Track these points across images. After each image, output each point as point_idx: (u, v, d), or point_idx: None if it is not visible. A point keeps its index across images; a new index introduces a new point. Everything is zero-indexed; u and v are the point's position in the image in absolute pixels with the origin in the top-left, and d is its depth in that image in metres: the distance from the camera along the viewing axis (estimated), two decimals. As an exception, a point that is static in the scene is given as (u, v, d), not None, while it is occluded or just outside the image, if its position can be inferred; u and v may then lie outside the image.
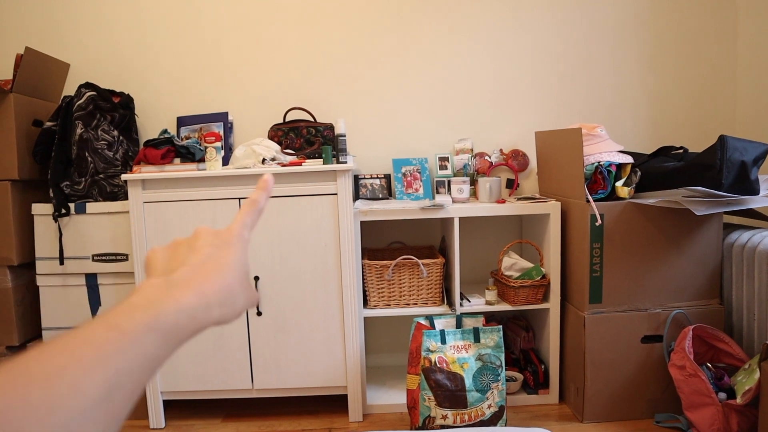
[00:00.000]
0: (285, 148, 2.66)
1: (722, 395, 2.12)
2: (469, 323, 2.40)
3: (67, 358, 0.36)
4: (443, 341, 2.27)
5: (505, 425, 2.24)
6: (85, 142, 2.49)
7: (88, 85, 2.57)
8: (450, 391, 2.19)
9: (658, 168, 2.42)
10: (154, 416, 2.47)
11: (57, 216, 2.44)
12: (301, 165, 2.40)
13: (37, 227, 2.50)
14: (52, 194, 2.47)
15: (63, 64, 2.82)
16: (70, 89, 2.77)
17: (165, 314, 0.42)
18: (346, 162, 2.37)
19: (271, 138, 2.71)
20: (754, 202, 2.19)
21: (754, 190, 2.20)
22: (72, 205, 2.47)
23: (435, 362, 2.22)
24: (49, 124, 2.54)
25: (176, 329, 0.43)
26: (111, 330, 0.39)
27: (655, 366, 2.37)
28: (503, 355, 2.27)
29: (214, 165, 2.37)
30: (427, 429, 2.22)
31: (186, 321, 0.44)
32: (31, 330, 2.58)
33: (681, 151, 2.51)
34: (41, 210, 2.49)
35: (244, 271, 0.51)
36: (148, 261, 0.52)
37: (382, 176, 2.80)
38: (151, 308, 0.42)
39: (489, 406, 2.22)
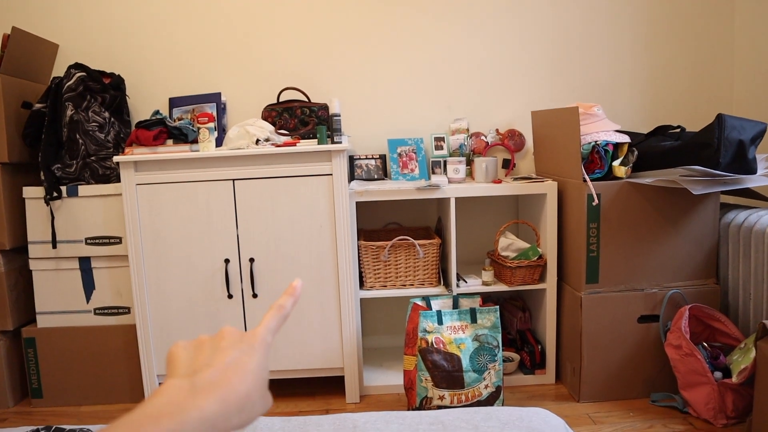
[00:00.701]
0: (279, 129, 2.63)
1: (718, 374, 2.13)
2: (465, 304, 2.40)
3: None
4: (440, 322, 2.26)
5: (502, 405, 2.24)
6: (75, 124, 2.45)
7: (78, 66, 2.52)
8: (447, 372, 2.19)
9: (655, 147, 2.40)
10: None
11: (49, 199, 2.42)
12: (295, 145, 2.37)
13: (28, 211, 2.47)
14: (43, 177, 2.44)
15: (52, 45, 2.77)
16: (59, 70, 2.73)
17: (190, 423, 0.42)
18: (341, 142, 2.35)
19: (264, 118, 2.68)
20: (752, 182, 2.18)
21: (751, 169, 2.19)
22: (64, 188, 2.44)
23: (432, 343, 2.22)
24: (38, 105, 2.50)
25: None
26: None
27: (652, 346, 2.37)
28: (500, 335, 2.27)
29: (207, 146, 2.34)
30: (424, 409, 2.22)
31: (207, 430, 0.43)
32: (25, 315, 2.57)
33: (678, 130, 2.50)
34: (32, 193, 2.46)
35: (263, 377, 0.51)
36: (170, 357, 0.51)
37: (378, 157, 2.78)
38: (176, 416, 0.41)
39: (486, 387, 2.22)
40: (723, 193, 2.39)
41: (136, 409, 0.42)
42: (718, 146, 2.13)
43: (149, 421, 0.40)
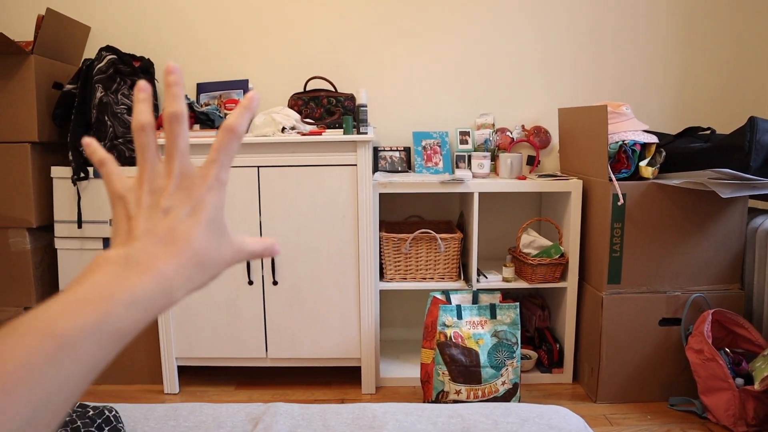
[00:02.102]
0: (305, 118, 2.63)
1: (739, 381, 2.10)
2: (485, 299, 2.39)
3: None
4: (459, 316, 2.26)
5: (519, 402, 2.24)
6: (104, 106, 2.48)
7: (109, 49, 2.55)
8: (464, 367, 2.19)
9: (684, 149, 2.37)
10: (168, 381, 2.49)
11: (76, 179, 2.45)
12: (320, 135, 2.37)
13: (56, 190, 2.50)
14: (71, 157, 2.47)
15: (84, 27, 2.80)
16: (90, 53, 2.75)
17: (116, 309, 0.37)
18: (366, 133, 2.35)
19: (291, 107, 2.69)
20: (782, 187, 2.14)
21: (782, 174, 2.15)
22: (91, 169, 2.47)
23: (450, 337, 2.22)
24: (69, 86, 2.53)
25: (126, 325, 0.38)
26: (47, 338, 0.34)
27: (672, 349, 2.35)
28: (519, 332, 2.26)
29: (233, 132, 2.34)
30: (440, 403, 2.22)
31: (140, 314, 0.39)
32: (48, 292, 2.61)
33: (708, 132, 2.46)
34: (60, 173, 2.49)
35: (218, 228, 0.45)
36: (113, 208, 0.46)
37: (402, 149, 2.78)
38: (100, 302, 0.37)
39: (503, 383, 2.21)
40: (751, 197, 2.36)
41: (61, 293, 0.38)
42: (749, 149, 2.10)
43: (68, 311, 0.36)
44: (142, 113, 0.46)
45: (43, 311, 0.36)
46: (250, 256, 0.48)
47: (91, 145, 0.49)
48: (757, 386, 2.04)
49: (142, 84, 0.47)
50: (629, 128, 2.35)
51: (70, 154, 2.47)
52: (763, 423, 2.09)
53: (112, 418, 1.13)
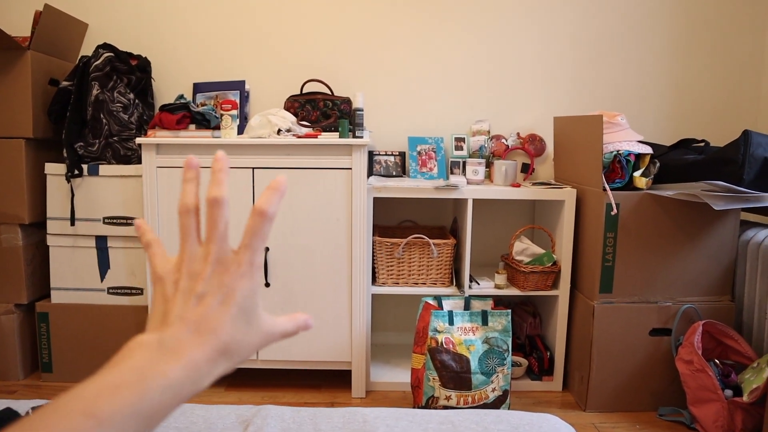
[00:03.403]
0: (301, 120, 2.64)
1: (728, 392, 2.11)
2: (477, 306, 2.39)
3: None
4: (451, 322, 2.26)
5: (509, 410, 2.24)
6: (100, 104, 2.47)
7: (106, 47, 2.54)
8: (455, 373, 2.19)
9: (678, 160, 2.38)
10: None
11: (70, 176, 2.44)
12: (316, 137, 2.38)
13: (49, 187, 2.49)
14: (65, 154, 2.46)
15: (81, 24, 2.79)
16: (87, 50, 2.75)
17: (151, 394, 0.39)
18: (362, 137, 2.35)
19: (287, 109, 2.69)
20: (774, 200, 2.16)
21: (775, 188, 2.16)
22: (85, 167, 2.46)
23: (441, 343, 2.22)
24: (65, 83, 2.52)
25: (160, 408, 0.40)
26: (88, 418, 0.36)
27: (662, 359, 2.36)
28: (510, 339, 2.26)
29: (229, 133, 2.35)
30: (430, 409, 2.22)
31: (171, 398, 0.41)
32: (39, 289, 2.60)
33: (702, 144, 2.48)
34: (54, 170, 2.48)
35: (246, 317, 0.46)
36: (153, 288, 0.49)
37: (397, 153, 2.78)
38: (137, 385, 0.39)
39: (493, 390, 2.21)
40: (744, 210, 2.37)
41: (99, 374, 0.40)
42: (742, 162, 2.11)
43: (107, 393, 0.38)
44: (188, 195, 0.48)
45: (83, 392, 0.38)
46: (281, 337, 0.50)
47: (141, 227, 0.51)
48: (745, 398, 2.05)
49: (195, 161, 0.49)
50: (624, 138, 2.37)
51: (64, 151, 2.46)
52: (750, 435, 2.10)
53: None
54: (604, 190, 2.28)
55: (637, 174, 2.33)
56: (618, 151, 2.31)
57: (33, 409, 1.14)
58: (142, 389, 0.39)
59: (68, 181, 2.44)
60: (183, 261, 0.48)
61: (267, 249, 2.39)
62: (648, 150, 2.35)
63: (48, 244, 2.52)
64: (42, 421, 0.35)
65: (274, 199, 0.47)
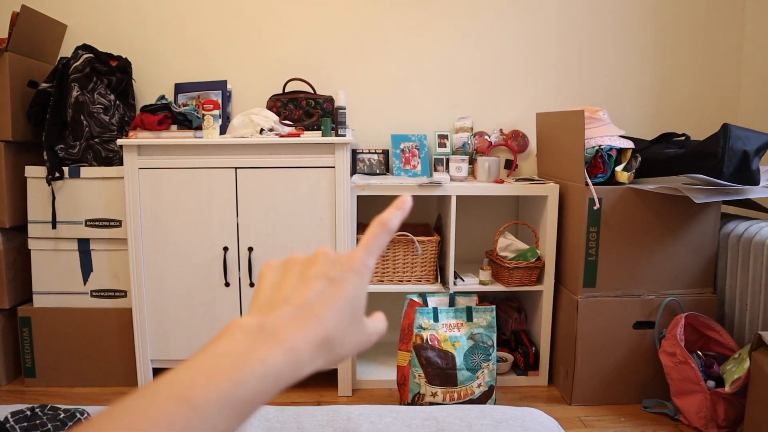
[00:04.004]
0: (283, 119, 2.63)
1: (711, 383, 2.13)
2: (462, 302, 2.40)
3: None
4: (436, 319, 2.26)
5: (494, 405, 2.25)
6: (80, 105, 2.45)
7: (86, 47, 2.52)
8: (440, 369, 2.20)
9: (659, 154, 2.40)
10: (143, 383, 2.46)
11: (50, 179, 2.41)
12: (299, 136, 2.37)
13: (30, 190, 2.47)
14: (46, 157, 2.43)
15: (60, 25, 2.76)
16: (66, 51, 2.72)
17: (246, 380, 0.37)
18: (345, 135, 2.35)
19: (269, 108, 2.68)
20: (754, 193, 2.18)
21: (754, 181, 2.19)
22: (66, 169, 2.44)
23: (427, 339, 2.22)
24: (44, 85, 2.50)
25: (257, 396, 0.38)
26: (182, 404, 0.34)
27: (646, 352, 2.38)
28: (495, 335, 2.27)
29: (211, 133, 2.34)
30: (416, 405, 2.22)
31: (270, 386, 0.39)
32: (21, 294, 2.57)
33: (683, 138, 2.50)
34: (34, 173, 2.46)
35: (352, 312, 0.45)
36: (259, 278, 0.47)
37: (380, 151, 2.78)
38: (232, 372, 0.37)
39: (479, 386, 2.22)
40: (724, 203, 2.40)
41: (193, 358, 0.38)
42: (722, 156, 2.13)
43: (202, 379, 0.36)
44: (393, 218, 0.49)
45: (177, 377, 0.36)
46: (377, 339, 0.49)
47: (406, 204, 0.51)
48: (727, 388, 2.08)
49: (409, 203, 0.50)
50: (606, 133, 2.38)
51: (44, 153, 2.43)
52: (733, 425, 2.13)
53: (83, 421, 1.12)
54: (587, 185, 2.30)
55: (619, 168, 2.35)
56: (600, 146, 2.32)
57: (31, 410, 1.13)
58: (238, 376, 0.37)
59: (49, 183, 2.42)
60: (327, 258, 0.47)
61: (251, 249, 2.38)
62: (629, 144, 2.36)
63: (29, 247, 2.50)
64: (135, 406, 0.34)
65: (396, 215, 0.49)
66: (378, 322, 0.47)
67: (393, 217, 0.49)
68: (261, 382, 0.38)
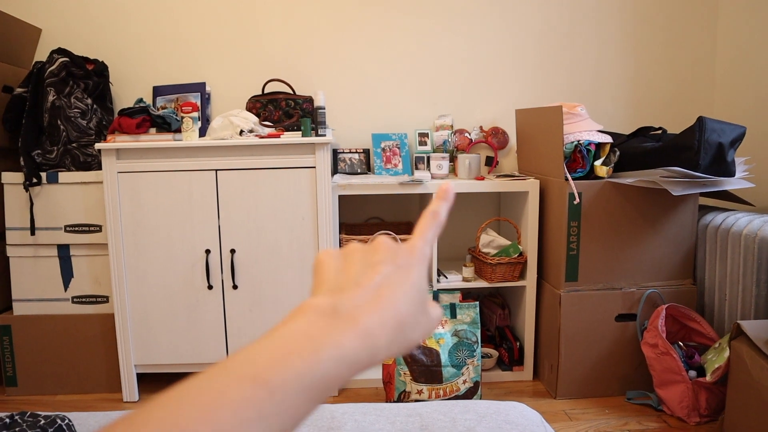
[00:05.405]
0: (263, 120, 2.62)
1: (692, 373, 2.16)
2: (445, 299, 2.41)
3: (200, 425, 0.31)
4: (420, 317, 2.27)
5: (480, 400, 2.26)
6: (57, 110, 2.43)
7: (61, 51, 2.49)
8: (425, 366, 2.20)
9: (637, 148, 2.43)
10: (128, 389, 2.44)
11: (28, 185, 2.39)
12: (279, 137, 2.37)
13: (7, 196, 2.44)
14: (22, 163, 2.40)
15: (34, 29, 2.73)
16: (41, 55, 2.69)
17: (323, 363, 0.36)
18: (324, 135, 2.35)
19: (249, 110, 2.67)
20: (730, 184, 2.22)
21: (730, 172, 2.22)
22: (44, 175, 2.41)
23: (411, 338, 2.22)
24: (19, 90, 2.47)
25: (333, 380, 0.36)
26: (258, 386, 0.33)
27: (629, 344, 2.40)
28: (479, 331, 2.28)
29: (190, 135, 2.32)
30: (401, 403, 2.23)
31: (345, 370, 0.37)
32: (1, 302, 2.54)
33: (660, 131, 2.52)
34: (11, 179, 2.43)
35: (421, 297, 0.44)
36: (318, 264, 0.46)
37: (361, 151, 2.78)
38: (309, 355, 0.36)
39: (464, 382, 2.23)
40: (702, 195, 2.43)
41: (266, 338, 0.37)
42: (698, 148, 2.16)
43: (278, 360, 0.35)
44: (441, 208, 0.50)
45: (253, 357, 0.35)
46: (438, 324, 0.49)
47: (449, 192, 0.52)
48: (708, 378, 2.10)
49: (451, 191, 0.51)
50: (584, 128, 2.40)
51: (21, 159, 2.41)
52: (714, 413, 2.16)
53: (64, 427, 1.11)
54: (567, 180, 2.32)
55: (597, 163, 2.37)
56: (578, 141, 2.34)
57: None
58: (314, 359, 0.35)
59: (26, 189, 2.39)
60: (385, 248, 0.47)
61: (233, 251, 2.37)
62: (608, 139, 2.38)
63: (8, 255, 2.47)
64: (206, 386, 0.33)
65: (443, 206, 0.50)
66: (437, 309, 0.47)
67: (440, 207, 0.50)
68: (337, 366, 0.36)
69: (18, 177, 2.42)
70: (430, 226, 0.48)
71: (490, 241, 2.59)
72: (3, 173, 2.43)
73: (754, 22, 2.71)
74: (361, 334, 0.38)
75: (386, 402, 2.31)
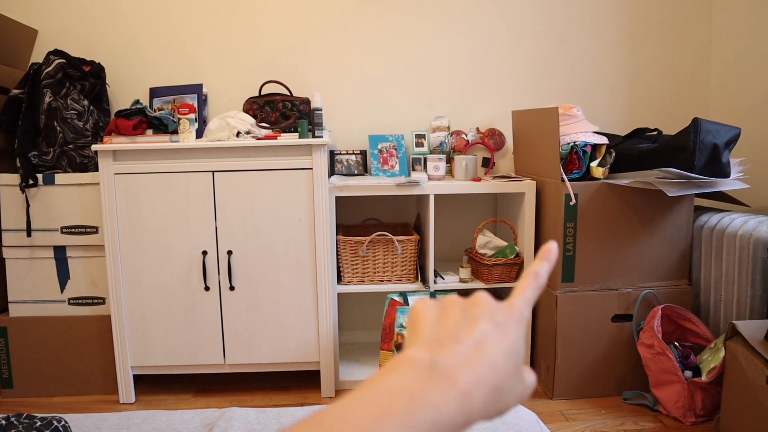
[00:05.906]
0: (260, 122, 2.62)
1: (688, 373, 2.17)
2: (442, 300, 2.41)
3: None
4: (416, 318, 2.27)
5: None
6: (53, 111, 2.43)
7: (58, 53, 2.49)
8: (422, 368, 2.20)
9: (633, 149, 2.43)
10: (124, 391, 2.44)
11: (24, 187, 2.38)
12: (276, 139, 2.37)
13: (3, 198, 2.43)
14: (19, 164, 2.40)
15: (30, 30, 2.73)
16: (38, 57, 2.69)
17: (418, 426, 0.35)
18: (321, 137, 2.35)
19: (246, 111, 2.67)
20: (725, 185, 2.22)
21: (725, 173, 2.23)
22: (40, 176, 2.41)
23: (408, 339, 2.23)
24: (16, 91, 2.47)
25: None
26: None
27: (625, 344, 2.41)
28: (476, 332, 2.28)
29: (187, 137, 2.32)
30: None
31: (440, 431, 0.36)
32: (-3, 302, 2.54)
33: (655, 132, 2.53)
34: (8, 180, 2.42)
35: (517, 359, 0.42)
36: (414, 315, 0.45)
37: (358, 152, 2.78)
38: (406, 417, 0.35)
39: (460, 383, 2.23)
40: (697, 195, 2.43)
41: (366, 390, 0.37)
42: (693, 150, 2.17)
43: (378, 420, 0.34)
44: (542, 269, 0.49)
45: (348, 417, 0.35)
46: (533, 392, 0.47)
47: (552, 252, 0.51)
48: (704, 378, 2.11)
49: (554, 252, 0.50)
50: (580, 130, 2.41)
51: (17, 160, 2.40)
52: (710, 413, 2.16)
53: (60, 428, 1.11)
54: (563, 181, 2.32)
55: (594, 164, 2.37)
56: (575, 142, 2.35)
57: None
58: (412, 421, 0.35)
59: (23, 191, 2.39)
60: (484, 305, 0.46)
61: (230, 252, 2.37)
62: (603, 140, 2.39)
63: (4, 256, 2.47)
64: None
65: (545, 266, 0.49)
66: (531, 375, 0.46)
67: (542, 268, 0.48)
68: (432, 429, 0.36)
69: (14, 178, 2.41)
70: (530, 286, 0.47)
71: (487, 242, 2.60)
72: (-1, 175, 2.43)
73: (749, 24, 2.73)
74: (458, 396, 0.37)
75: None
